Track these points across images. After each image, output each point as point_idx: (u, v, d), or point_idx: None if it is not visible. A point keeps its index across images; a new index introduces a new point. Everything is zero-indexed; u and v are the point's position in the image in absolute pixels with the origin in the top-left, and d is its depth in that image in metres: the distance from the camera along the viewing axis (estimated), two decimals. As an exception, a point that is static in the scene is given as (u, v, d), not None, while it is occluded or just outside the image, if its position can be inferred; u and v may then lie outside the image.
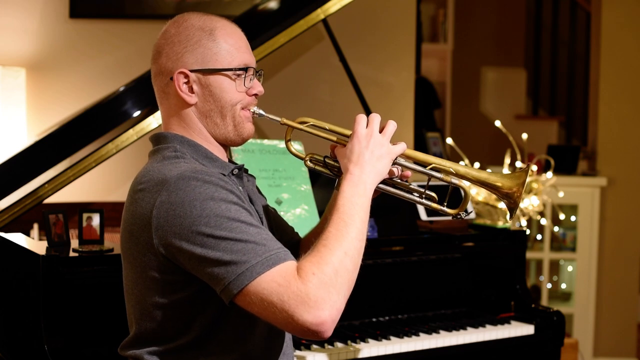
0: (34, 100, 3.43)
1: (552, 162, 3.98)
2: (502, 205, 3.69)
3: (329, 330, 1.42)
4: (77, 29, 3.52)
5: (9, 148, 3.14)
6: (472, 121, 6.19)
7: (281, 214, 2.43)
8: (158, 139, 1.69)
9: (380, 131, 1.66)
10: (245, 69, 1.67)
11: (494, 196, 3.74)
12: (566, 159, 4.61)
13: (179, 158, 1.61)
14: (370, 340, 2.34)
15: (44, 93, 3.47)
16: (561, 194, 4.05)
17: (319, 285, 1.41)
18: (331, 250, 1.47)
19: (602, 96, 4.61)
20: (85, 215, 2.23)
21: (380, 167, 1.63)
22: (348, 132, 1.68)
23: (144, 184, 1.56)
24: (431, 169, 1.70)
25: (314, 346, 2.26)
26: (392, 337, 2.38)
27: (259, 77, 1.73)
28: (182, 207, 1.48)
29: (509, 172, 1.89)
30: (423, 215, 2.72)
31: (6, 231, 2.44)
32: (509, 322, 2.63)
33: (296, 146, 2.54)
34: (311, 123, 1.74)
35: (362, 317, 2.52)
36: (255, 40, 2.91)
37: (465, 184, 1.72)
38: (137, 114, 2.94)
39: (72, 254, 2.12)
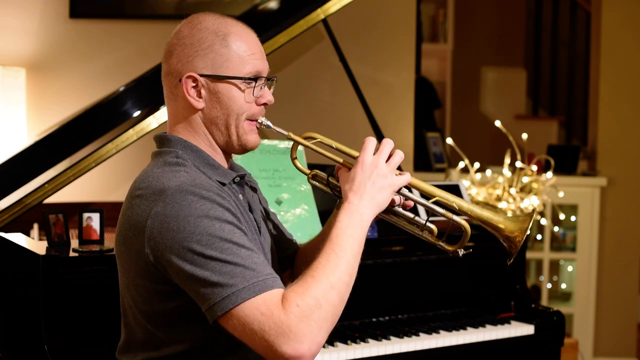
0: (34, 100, 3.44)
1: (552, 162, 3.98)
2: (502, 205, 3.70)
3: None
4: (77, 29, 3.52)
5: (9, 148, 3.14)
6: (472, 121, 6.19)
7: (281, 214, 2.44)
8: (162, 141, 1.67)
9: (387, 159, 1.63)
10: (256, 79, 1.64)
11: (494, 196, 3.74)
12: (566, 159, 4.61)
13: (180, 165, 1.59)
14: (370, 340, 2.34)
15: (44, 93, 3.47)
16: (561, 194, 4.05)
17: (300, 318, 1.40)
18: (318, 282, 1.45)
19: (602, 96, 4.61)
20: (85, 215, 2.23)
21: (380, 199, 1.61)
22: (355, 153, 1.65)
23: (142, 190, 1.55)
24: (434, 202, 1.68)
25: (314, 346, 2.25)
26: (392, 337, 2.38)
27: (271, 83, 1.71)
28: (176, 222, 1.46)
29: (514, 215, 1.87)
30: (423, 215, 2.72)
31: (6, 231, 2.44)
32: (509, 322, 2.63)
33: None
34: (318, 140, 1.71)
35: (362, 317, 2.52)
36: (255, 40, 2.91)
37: (465, 222, 1.69)
38: (137, 114, 2.94)
39: (72, 254, 2.12)
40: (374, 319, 2.54)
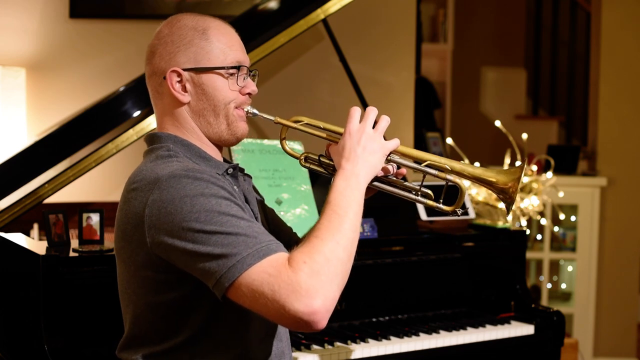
0: (34, 100, 3.43)
1: (552, 162, 3.98)
2: (502, 205, 3.70)
3: (322, 321, 1.40)
4: (77, 29, 3.52)
5: (9, 148, 3.14)
6: (472, 121, 6.19)
7: (281, 214, 2.44)
8: (152, 139, 1.69)
9: (374, 126, 1.65)
10: (238, 68, 1.66)
11: (494, 196, 3.74)
12: (566, 159, 4.61)
13: (172, 157, 1.61)
14: (370, 340, 2.34)
15: (44, 93, 3.47)
16: (561, 194, 4.05)
17: (310, 274, 1.39)
18: (323, 240, 1.46)
19: (602, 96, 4.61)
20: (85, 215, 2.23)
21: (373, 162, 1.62)
22: (341, 129, 1.67)
23: (136, 183, 1.57)
24: (426, 165, 1.70)
25: (314, 346, 2.26)
26: (392, 337, 2.38)
27: (253, 77, 1.73)
28: (172, 204, 1.48)
29: (505, 168, 1.88)
30: (423, 215, 2.72)
31: (6, 231, 2.44)
32: (509, 322, 2.63)
33: (297, 146, 2.55)
34: (305, 122, 1.74)
35: (362, 317, 2.52)
36: (255, 40, 2.92)
37: (460, 180, 1.71)
38: (137, 114, 2.94)
39: (72, 254, 2.12)
40: (374, 319, 2.54)
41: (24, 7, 3.45)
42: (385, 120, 1.68)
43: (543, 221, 4.21)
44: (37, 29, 3.46)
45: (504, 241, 2.81)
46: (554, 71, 6.60)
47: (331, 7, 3.01)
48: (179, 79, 1.65)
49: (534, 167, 3.82)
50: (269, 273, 1.40)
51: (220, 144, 1.72)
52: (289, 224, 2.42)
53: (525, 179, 3.76)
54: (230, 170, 1.69)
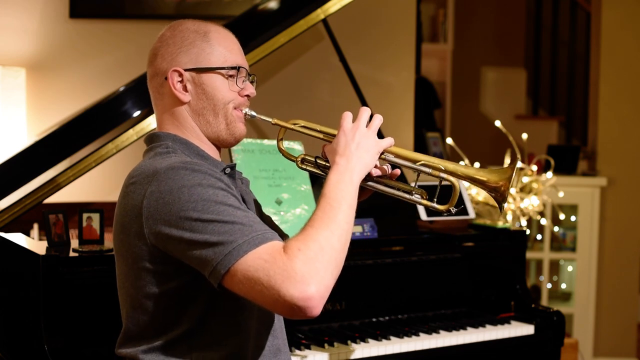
0: (34, 100, 3.43)
1: (552, 162, 3.98)
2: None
3: (316, 307, 1.41)
4: (77, 29, 3.52)
5: (9, 148, 3.14)
6: (472, 121, 6.19)
7: (281, 214, 2.44)
8: (151, 138, 1.73)
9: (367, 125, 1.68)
10: (238, 69, 1.70)
11: (494, 196, 3.74)
12: (566, 159, 4.61)
13: (170, 153, 1.65)
14: (370, 340, 2.34)
15: (44, 93, 3.47)
16: (561, 194, 4.05)
17: (305, 261, 1.42)
18: (317, 229, 1.48)
19: (602, 96, 4.61)
20: (85, 215, 2.23)
21: (366, 159, 1.65)
22: (336, 131, 1.70)
23: (135, 178, 1.59)
24: (420, 164, 1.72)
25: (314, 346, 2.26)
26: (392, 337, 2.38)
27: (252, 82, 1.77)
28: (170, 195, 1.50)
29: (498, 167, 1.91)
30: (423, 215, 2.72)
31: (6, 231, 2.44)
32: (509, 322, 2.63)
33: (297, 146, 2.55)
34: (302, 124, 1.78)
35: (362, 317, 2.52)
36: (255, 40, 2.92)
37: (454, 179, 1.72)
38: (137, 114, 2.94)
39: (72, 254, 2.12)
40: (374, 319, 2.54)
41: (24, 7, 3.44)
42: (378, 119, 1.71)
43: (543, 221, 4.21)
44: (37, 29, 3.46)
45: (504, 241, 2.81)
46: (554, 71, 6.60)
47: (331, 7, 3.01)
48: (180, 79, 1.69)
49: (534, 167, 3.82)
50: (264, 259, 1.42)
51: (218, 144, 1.75)
52: (289, 224, 2.43)
53: (525, 179, 3.76)
54: (228, 170, 1.71)
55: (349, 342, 2.30)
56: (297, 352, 2.21)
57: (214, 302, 1.56)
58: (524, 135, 3.95)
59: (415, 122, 4.07)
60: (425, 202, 1.75)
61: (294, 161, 1.83)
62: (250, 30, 3.02)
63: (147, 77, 1.76)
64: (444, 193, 1.74)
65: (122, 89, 3.04)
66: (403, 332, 2.42)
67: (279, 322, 1.74)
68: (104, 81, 3.47)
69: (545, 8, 6.57)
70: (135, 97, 2.98)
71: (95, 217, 2.24)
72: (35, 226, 2.85)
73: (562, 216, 4.07)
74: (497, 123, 3.87)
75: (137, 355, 1.61)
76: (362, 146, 1.65)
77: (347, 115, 1.70)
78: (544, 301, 4.54)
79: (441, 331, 2.47)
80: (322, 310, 1.44)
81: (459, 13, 5.99)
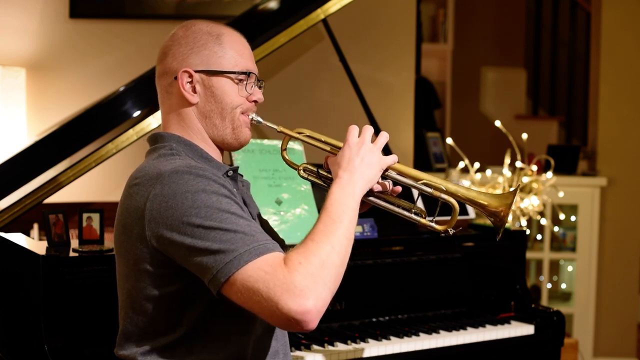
0: (34, 100, 3.43)
1: (552, 162, 3.98)
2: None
3: (313, 321, 1.41)
4: (77, 29, 3.52)
5: (9, 148, 3.14)
6: (472, 121, 6.19)
7: (281, 214, 2.44)
8: (155, 138, 1.72)
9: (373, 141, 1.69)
10: (248, 74, 1.70)
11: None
12: (566, 159, 4.61)
13: (174, 155, 1.64)
14: (370, 340, 2.34)
15: (44, 93, 3.47)
16: (561, 194, 4.05)
17: (305, 275, 1.42)
18: (318, 244, 1.48)
19: (602, 96, 4.61)
20: (85, 215, 2.23)
21: (369, 175, 1.65)
22: (341, 144, 1.71)
23: (139, 179, 1.59)
24: (422, 184, 1.72)
25: (314, 346, 2.26)
26: (392, 337, 2.38)
27: (260, 87, 1.76)
28: (174, 199, 1.50)
29: (499, 193, 1.91)
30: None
31: (6, 231, 2.44)
32: (509, 322, 2.63)
33: (297, 147, 2.55)
34: (307, 134, 1.78)
35: (362, 317, 2.52)
36: (255, 40, 2.91)
37: (454, 200, 1.72)
38: (137, 114, 2.94)
39: (72, 254, 2.12)
40: (374, 319, 2.54)
41: (24, 7, 3.45)
42: (384, 136, 1.71)
43: (543, 221, 4.21)
44: (37, 29, 3.46)
45: (504, 241, 2.80)
46: (554, 71, 6.60)
47: (331, 7, 3.01)
48: (189, 80, 1.68)
49: (534, 167, 3.82)
50: (264, 271, 1.42)
51: (223, 147, 1.75)
52: (289, 224, 2.43)
53: (525, 179, 3.77)
54: (230, 173, 1.71)
55: (349, 342, 2.30)
56: (297, 352, 2.21)
57: (213, 305, 1.56)
58: (524, 135, 3.95)
59: (415, 122, 4.07)
60: (424, 221, 1.75)
61: (296, 169, 1.83)
62: (250, 30, 3.02)
63: (156, 74, 1.74)
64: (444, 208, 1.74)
65: (122, 89, 3.04)
66: (403, 332, 2.42)
67: None
68: (104, 81, 3.47)
69: (545, 8, 6.57)
70: (135, 97, 2.98)
71: (95, 217, 2.24)
72: (35, 226, 2.85)
73: (562, 216, 4.07)
74: (497, 123, 3.87)
75: (136, 357, 1.61)
76: (366, 162, 1.65)
77: (354, 129, 1.69)
78: (544, 301, 4.54)
79: (441, 331, 2.47)
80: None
81: (459, 13, 5.99)
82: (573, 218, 4.58)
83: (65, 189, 2.65)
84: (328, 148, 1.75)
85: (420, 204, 1.76)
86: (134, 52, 3.55)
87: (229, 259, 1.44)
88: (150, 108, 2.82)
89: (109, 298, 1.91)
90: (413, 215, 1.75)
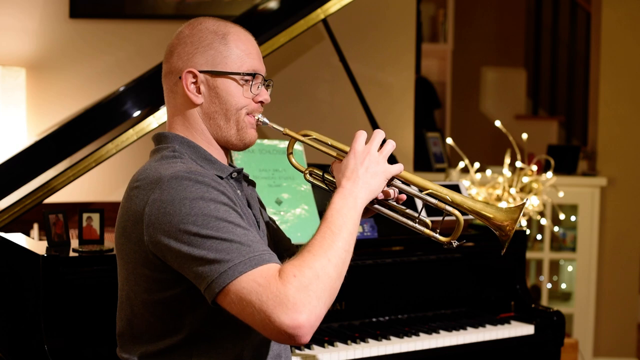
0: (34, 100, 3.44)
1: (552, 162, 3.98)
2: (502, 204, 3.70)
3: (306, 335, 1.40)
4: (77, 29, 3.52)
5: (9, 148, 3.14)
6: (472, 121, 6.19)
7: (281, 214, 2.44)
8: (159, 138, 1.71)
9: (379, 149, 1.66)
10: (254, 75, 1.68)
11: (494, 196, 3.74)
12: (566, 159, 4.61)
13: (176, 158, 1.63)
14: (370, 340, 2.34)
15: (44, 93, 3.47)
16: (561, 194, 4.05)
17: (298, 288, 1.40)
18: (314, 255, 1.46)
19: (602, 96, 4.61)
20: (85, 215, 2.23)
21: (373, 185, 1.63)
22: (348, 148, 1.68)
23: (139, 182, 1.58)
24: (427, 194, 1.70)
25: (314, 346, 2.26)
26: (392, 337, 2.38)
27: (267, 86, 1.74)
28: (172, 205, 1.49)
29: (506, 206, 1.89)
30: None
31: (6, 231, 2.44)
32: (509, 322, 2.63)
33: (296, 147, 2.55)
34: (313, 137, 1.75)
35: (362, 317, 2.52)
36: (255, 40, 2.91)
37: (459, 213, 1.70)
38: (137, 114, 2.94)
39: (72, 254, 2.12)
40: (374, 319, 2.54)
41: (24, 7, 3.45)
42: (390, 145, 1.68)
43: (543, 221, 4.21)
44: (37, 29, 3.46)
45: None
46: (554, 71, 6.60)
47: (331, 7, 3.01)
48: (194, 80, 1.66)
49: (534, 167, 3.82)
50: (258, 283, 1.41)
51: (228, 148, 1.73)
52: (289, 224, 2.42)
53: (525, 179, 3.77)
54: (235, 175, 1.70)
55: (349, 342, 2.30)
56: (298, 352, 2.21)
57: (213, 310, 1.54)
58: (524, 135, 3.96)
59: (415, 122, 4.07)
60: (428, 232, 1.73)
61: (302, 172, 1.81)
62: (250, 30, 3.02)
63: (162, 73, 1.72)
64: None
65: (122, 89, 3.04)
66: (403, 332, 2.42)
67: None
68: (104, 81, 3.47)
69: (545, 8, 6.57)
70: (135, 97, 2.98)
71: (95, 217, 2.24)
72: (35, 226, 2.85)
73: (562, 216, 4.07)
74: (497, 123, 3.87)
75: None
76: (371, 171, 1.62)
77: (360, 135, 1.66)
78: (544, 301, 4.54)
79: (441, 331, 2.47)
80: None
81: (459, 13, 5.99)
82: (573, 218, 4.58)
83: (65, 189, 2.65)
84: (334, 153, 1.72)
85: (424, 213, 1.74)
86: (134, 52, 3.55)
87: (223, 270, 1.43)
88: (150, 108, 2.82)
89: (109, 298, 1.91)
90: (417, 225, 1.73)
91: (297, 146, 2.57)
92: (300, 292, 1.40)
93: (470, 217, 2.85)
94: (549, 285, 4.67)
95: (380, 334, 2.37)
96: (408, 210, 1.74)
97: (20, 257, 2.17)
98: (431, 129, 5.01)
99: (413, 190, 1.71)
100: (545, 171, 4.01)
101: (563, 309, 3.26)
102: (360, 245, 2.49)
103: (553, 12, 6.54)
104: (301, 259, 1.46)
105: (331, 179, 1.74)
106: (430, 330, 2.46)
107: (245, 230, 1.49)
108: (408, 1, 3.96)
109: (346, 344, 2.29)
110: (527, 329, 2.61)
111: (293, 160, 1.82)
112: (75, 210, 2.40)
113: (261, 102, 1.72)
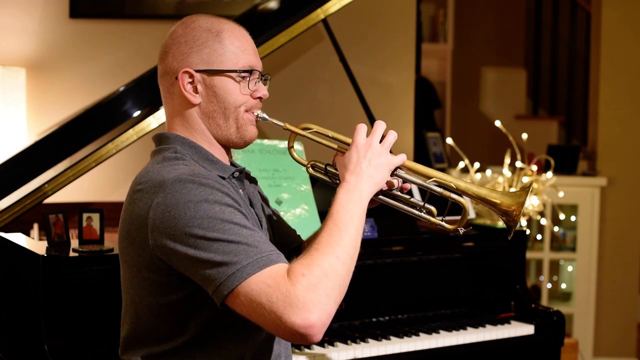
0: (34, 100, 3.44)
1: (552, 162, 3.98)
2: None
3: (317, 334, 1.40)
4: (77, 29, 3.52)
5: (9, 148, 3.14)
6: (472, 121, 6.19)
7: (281, 214, 2.44)
8: (160, 139, 1.70)
9: (381, 140, 1.65)
10: (250, 72, 1.67)
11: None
12: (566, 159, 4.61)
13: (179, 159, 1.62)
14: (370, 340, 2.34)
15: (44, 93, 3.47)
16: (561, 194, 4.05)
17: (308, 287, 1.39)
18: (322, 253, 1.46)
19: (602, 96, 4.61)
20: (85, 215, 2.23)
21: (377, 177, 1.62)
22: (350, 140, 1.67)
23: (142, 185, 1.57)
24: (431, 182, 1.69)
25: (315, 346, 2.26)
26: (392, 337, 2.38)
27: (265, 81, 1.74)
28: (176, 209, 1.48)
29: (511, 191, 1.88)
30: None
31: (6, 231, 2.44)
32: (509, 322, 2.63)
33: (296, 146, 2.55)
34: (314, 130, 1.74)
35: (362, 317, 2.52)
36: (255, 40, 2.91)
37: (464, 199, 1.69)
38: (137, 114, 2.94)
39: (72, 254, 2.12)
40: (374, 319, 2.54)
41: (24, 7, 3.45)
42: (392, 135, 1.68)
43: (543, 221, 4.21)
44: (37, 29, 3.46)
45: (504, 241, 2.81)
46: (554, 71, 6.60)
47: (331, 7, 3.00)
48: (190, 80, 1.65)
49: (534, 167, 3.82)
50: (267, 284, 1.40)
51: (228, 146, 1.72)
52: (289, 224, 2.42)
53: (525, 179, 3.77)
54: (237, 174, 1.69)
55: (349, 342, 2.30)
56: (298, 351, 2.21)
57: (217, 313, 1.55)
58: (524, 135, 3.96)
59: (415, 122, 4.07)
60: (433, 220, 1.71)
61: (304, 166, 1.80)
62: (250, 30, 3.02)
63: (158, 73, 1.71)
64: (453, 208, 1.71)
65: (122, 89, 3.04)
66: (403, 332, 2.42)
67: None
68: (104, 81, 3.47)
69: (545, 8, 6.57)
70: (135, 97, 2.98)
71: (95, 217, 2.24)
72: (35, 226, 2.85)
73: (562, 216, 4.07)
74: (497, 123, 3.87)
75: None
76: (374, 164, 1.62)
77: (361, 129, 1.65)
78: (544, 301, 4.54)
79: (441, 331, 2.47)
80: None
81: (459, 13, 5.99)
82: (573, 218, 4.58)
83: (65, 189, 2.65)
84: (335, 145, 1.71)
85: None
86: (134, 52, 3.55)
87: (231, 272, 1.42)
88: (150, 108, 2.82)
89: (109, 298, 1.91)
90: (423, 214, 1.72)
91: (297, 145, 2.56)
92: (310, 291, 1.39)
93: (472, 217, 2.86)
94: (549, 285, 4.67)
95: (380, 334, 2.37)
96: (413, 199, 1.73)
97: (20, 257, 2.17)
98: (431, 129, 5.01)
99: (417, 180, 1.70)
100: (545, 171, 4.01)
101: (563, 309, 3.26)
102: (360, 245, 2.49)
103: (553, 12, 6.54)
104: (309, 257, 1.45)
105: (334, 171, 1.73)
106: (430, 330, 2.46)
107: (252, 231, 1.48)
108: (408, 1, 3.96)
109: (346, 344, 2.29)
110: (527, 329, 2.61)
111: (295, 155, 1.81)
112: (75, 210, 2.40)
113: (260, 98, 1.71)
